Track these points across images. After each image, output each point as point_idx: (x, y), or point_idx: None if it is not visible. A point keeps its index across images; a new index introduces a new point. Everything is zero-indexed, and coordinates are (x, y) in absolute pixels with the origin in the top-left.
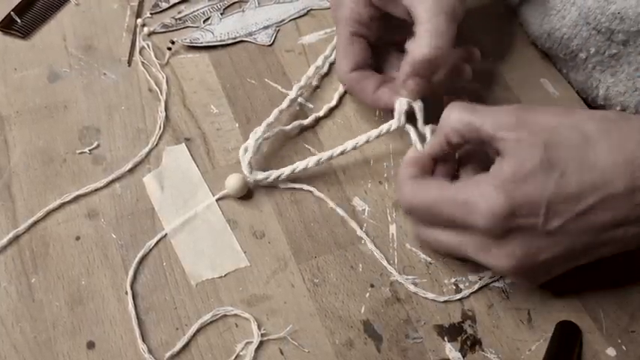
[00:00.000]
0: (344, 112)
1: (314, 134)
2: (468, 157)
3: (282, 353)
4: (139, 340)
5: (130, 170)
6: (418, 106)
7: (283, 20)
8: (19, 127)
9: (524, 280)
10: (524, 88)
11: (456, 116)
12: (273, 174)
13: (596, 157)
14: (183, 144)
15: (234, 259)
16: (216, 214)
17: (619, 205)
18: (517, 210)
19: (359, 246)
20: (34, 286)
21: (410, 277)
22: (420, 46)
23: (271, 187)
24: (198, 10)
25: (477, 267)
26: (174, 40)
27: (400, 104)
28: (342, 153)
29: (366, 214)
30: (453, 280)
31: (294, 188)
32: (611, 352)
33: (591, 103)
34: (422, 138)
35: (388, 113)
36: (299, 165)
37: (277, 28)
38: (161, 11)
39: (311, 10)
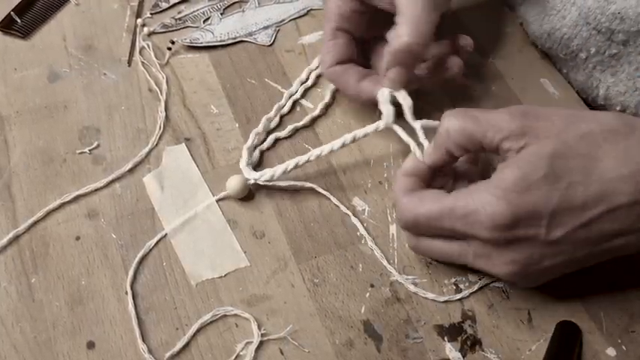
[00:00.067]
0: (344, 112)
1: (314, 134)
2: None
3: (282, 353)
4: (139, 340)
5: (130, 170)
6: (402, 96)
7: (283, 20)
8: (19, 127)
9: (523, 283)
10: (524, 88)
11: (457, 127)
12: (277, 169)
13: (602, 169)
14: (183, 144)
15: (234, 259)
16: (217, 214)
17: (622, 216)
18: (520, 220)
19: (359, 246)
20: (34, 286)
21: (410, 277)
22: (400, 35)
23: (272, 187)
24: (198, 10)
25: None
26: (174, 40)
27: (382, 94)
28: (342, 145)
29: (366, 214)
30: (453, 280)
31: (296, 186)
32: (611, 352)
33: (591, 103)
34: (415, 137)
35: None
36: (301, 159)
37: (277, 28)
38: (161, 11)
39: (311, 10)
